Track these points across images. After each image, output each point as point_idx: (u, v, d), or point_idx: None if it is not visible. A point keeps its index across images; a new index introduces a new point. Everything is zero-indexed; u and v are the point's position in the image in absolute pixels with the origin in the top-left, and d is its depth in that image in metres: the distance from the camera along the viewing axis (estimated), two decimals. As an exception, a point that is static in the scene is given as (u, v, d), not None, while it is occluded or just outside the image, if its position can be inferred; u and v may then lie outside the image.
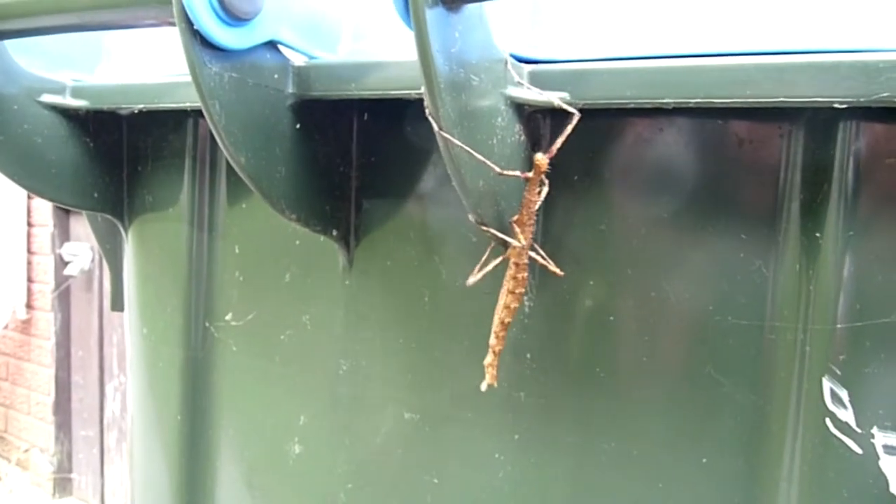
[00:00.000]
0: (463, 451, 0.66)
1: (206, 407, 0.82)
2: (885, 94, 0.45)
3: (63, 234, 2.94)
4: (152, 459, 0.88)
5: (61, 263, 2.91)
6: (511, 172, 0.51)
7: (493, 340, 0.58)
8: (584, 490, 0.61)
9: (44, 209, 2.94)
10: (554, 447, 0.62)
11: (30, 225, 3.01)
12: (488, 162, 0.49)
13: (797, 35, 0.50)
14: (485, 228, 0.53)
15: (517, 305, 0.57)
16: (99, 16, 0.56)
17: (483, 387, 0.58)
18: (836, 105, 0.46)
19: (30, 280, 3.01)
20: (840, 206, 0.51)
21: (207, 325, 0.80)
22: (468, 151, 0.48)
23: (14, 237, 3.01)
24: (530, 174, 0.53)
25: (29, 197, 2.96)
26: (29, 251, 3.01)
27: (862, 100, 0.45)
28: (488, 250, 0.58)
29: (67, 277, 2.90)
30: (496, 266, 0.57)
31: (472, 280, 0.57)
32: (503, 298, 0.57)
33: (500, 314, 0.57)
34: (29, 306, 3.02)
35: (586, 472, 0.61)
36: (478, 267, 0.57)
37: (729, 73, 0.48)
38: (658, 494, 0.59)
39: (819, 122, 0.52)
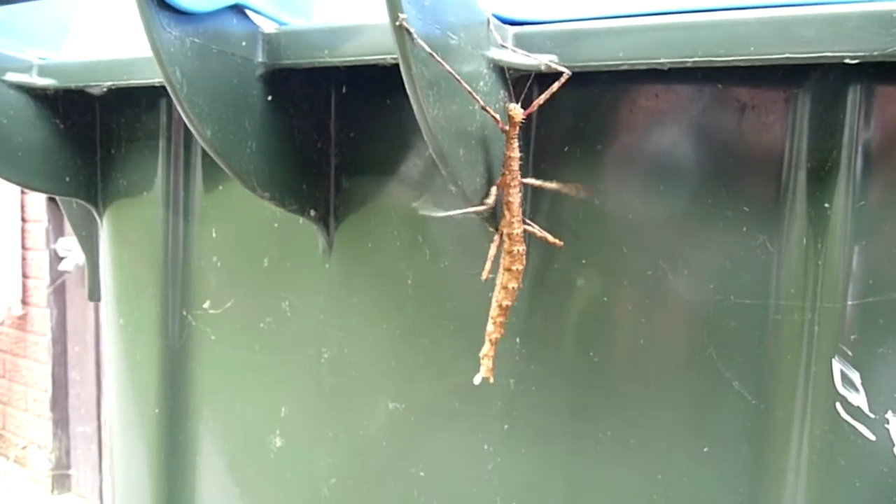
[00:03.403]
0: (450, 442, 0.62)
1: (186, 399, 0.78)
2: (900, 47, 0.41)
3: (57, 229, 2.91)
4: (132, 453, 0.84)
5: (56, 259, 2.88)
6: (492, 111, 0.47)
7: (490, 328, 0.53)
8: (579, 482, 0.58)
9: (38, 204, 2.90)
10: (546, 437, 0.58)
11: (24, 220, 2.98)
12: (473, 92, 0.45)
13: (803, -15, 0.46)
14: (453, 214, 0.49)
15: (516, 286, 0.52)
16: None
17: (476, 380, 0.53)
18: (847, 60, 0.42)
19: (25, 276, 2.99)
20: (850, 174, 0.48)
21: (185, 313, 0.77)
22: (456, 79, 0.43)
23: (8, 233, 2.98)
24: (507, 127, 0.49)
25: (23, 192, 2.93)
26: (23, 247, 2.99)
27: (875, 53, 0.41)
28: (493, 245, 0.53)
29: (62, 273, 2.87)
30: (495, 246, 0.52)
31: (484, 275, 0.52)
32: (500, 278, 0.52)
33: (497, 297, 0.52)
34: (24, 302, 2.99)
35: (581, 462, 0.58)
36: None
37: (729, 28, 0.45)
38: (657, 486, 0.55)
39: (827, 83, 0.48)
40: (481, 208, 0.50)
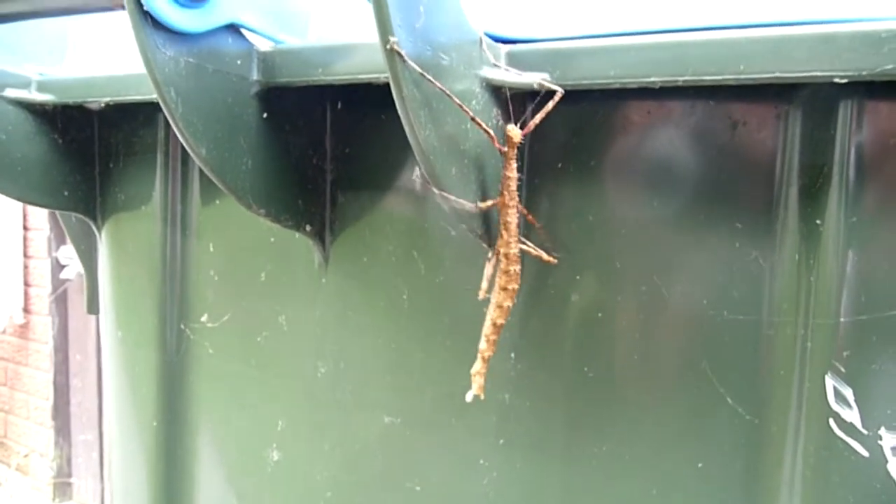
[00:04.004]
0: (446, 456, 0.62)
1: (184, 412, 0.79)
2: (888, 67, 0.41)
3: (59, 237, 2.92)
4: (131, 465, 0.85)
5: (58, 267, 2.88)
6: (486, 127, 0.47)
7: (482, 345, 0.53)
8: (574, 497, 0.58)
9: (40, 213, 2.91)
10: (541, 451, 0.58)
11: (26, 228, 2.98)
12: (469, 111, 0.45)
13: (793, 5, 0.46)
14: (446, 196, 0.49)
15: (510, 304, 0.52)
16: (48, 1, 0.53)
17: (469, 397, 0.54)
18: (837, 80, 0.42)
19: (26, 284, 2.99)
20: (842, 191, 0.48)
21: (183, 327, 0.77)
22: (447, 95, 0.44)
23: (10, 241, 2.98)
24: (505, 148, 0.49)
25: (24, 200, 2.93)
26: (25, 255, 2.99)
27: (864, 73, 0.42)
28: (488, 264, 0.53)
29: (64, 281, 2.87)
30: (491, 265, 0.53)
31: (481, 294, 0.53)
32: (495, 297, 0.52)
33: (491, 315, 0.52)
34: (26, 310, 2.99)
35: (575, 477, 0.58)
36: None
37: (720, 47, 0.45)
38: (652, 501, 0.55)
39: (818, 100, 0.48)
40: (471, 206, 0.49)
